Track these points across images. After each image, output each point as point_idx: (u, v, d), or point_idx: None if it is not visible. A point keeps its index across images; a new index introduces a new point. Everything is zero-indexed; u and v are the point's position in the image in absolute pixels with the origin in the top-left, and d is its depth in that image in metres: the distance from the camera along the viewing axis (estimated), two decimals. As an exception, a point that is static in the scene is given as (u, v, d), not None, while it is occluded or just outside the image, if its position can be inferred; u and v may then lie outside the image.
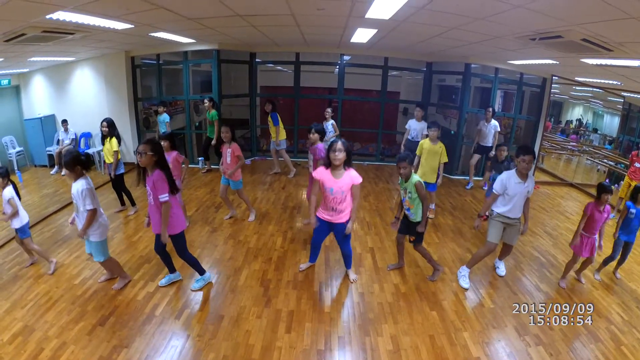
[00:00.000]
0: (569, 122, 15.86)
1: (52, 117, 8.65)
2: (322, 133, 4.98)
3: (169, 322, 3.36)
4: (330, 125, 7.57)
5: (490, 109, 7.30)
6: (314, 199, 3.75)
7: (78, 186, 3.40)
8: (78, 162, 3.40)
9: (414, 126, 7.20)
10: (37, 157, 8.66)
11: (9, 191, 3.91)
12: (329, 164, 3.53)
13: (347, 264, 4.12)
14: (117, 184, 5.64)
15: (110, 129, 5.34)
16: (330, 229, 3.85)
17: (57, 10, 3.68)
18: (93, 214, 3.46)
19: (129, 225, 5.40)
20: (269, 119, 7.50)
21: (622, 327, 3.57)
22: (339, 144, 3.42)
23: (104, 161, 5.46)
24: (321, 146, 4.82)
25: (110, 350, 2.97)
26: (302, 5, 4.28)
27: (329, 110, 7.67)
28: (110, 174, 5.54)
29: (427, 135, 5.80)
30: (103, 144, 5.42)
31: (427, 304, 3.77)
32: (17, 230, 4.03)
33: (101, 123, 5.33)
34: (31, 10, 3.59)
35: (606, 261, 4.45)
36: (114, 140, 5.36)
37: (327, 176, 3.52)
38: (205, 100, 7.68)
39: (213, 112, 7.65)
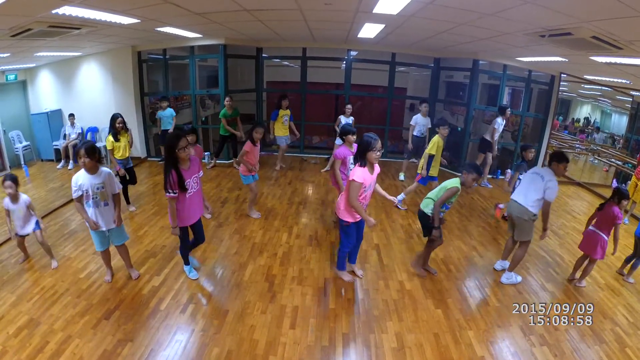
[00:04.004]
0: (574, 119, 15.68)
1: (58, 112, 8.68)
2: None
3: (173, 316, 3.38)
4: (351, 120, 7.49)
5: (509, 110, 7.25)
6: (359, 205, 3.46)
7: (106, 172, 3.47)
8: (97, 150, 3.42)
9: (422, 122, 7.19)
10: (43, 151, 8.69)
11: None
12: (364, 164, 3.43)
13: (354, 258, 4.13)
14: (130, 178, 5.64)
15: (125, 124, 5.37)
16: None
17: (63, 4, 3.67)
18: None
19: (133, 220, 5.42)
20: (287, 112, 7.51)
21: (627, 329, 3.54)
22: (379, 143, 3.39)
23: (112, 156, 5.40)
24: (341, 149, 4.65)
25: (115, 344, 2.99)
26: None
27: (349, 106, 7.48)
28: (128, 167, 5.53)
29: (429, 129, 6.65)
30: (117, 140, 5.29)
31: (432, 301, 3.76)
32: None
33: (116, 120, 5.23)
34: (37, 5, 3.59)
35: (628, 259, 4.45)
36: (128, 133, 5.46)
37: (367, 174, 3.45)
38: (227, 99, 7.59)
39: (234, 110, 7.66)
